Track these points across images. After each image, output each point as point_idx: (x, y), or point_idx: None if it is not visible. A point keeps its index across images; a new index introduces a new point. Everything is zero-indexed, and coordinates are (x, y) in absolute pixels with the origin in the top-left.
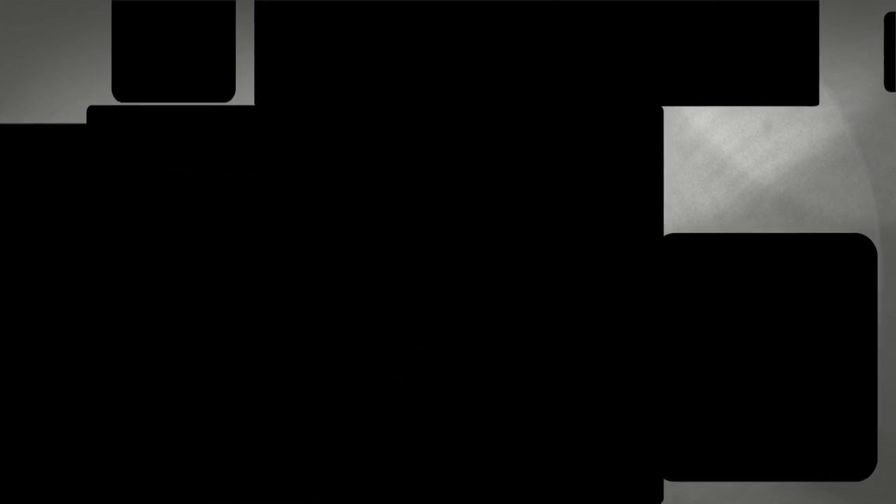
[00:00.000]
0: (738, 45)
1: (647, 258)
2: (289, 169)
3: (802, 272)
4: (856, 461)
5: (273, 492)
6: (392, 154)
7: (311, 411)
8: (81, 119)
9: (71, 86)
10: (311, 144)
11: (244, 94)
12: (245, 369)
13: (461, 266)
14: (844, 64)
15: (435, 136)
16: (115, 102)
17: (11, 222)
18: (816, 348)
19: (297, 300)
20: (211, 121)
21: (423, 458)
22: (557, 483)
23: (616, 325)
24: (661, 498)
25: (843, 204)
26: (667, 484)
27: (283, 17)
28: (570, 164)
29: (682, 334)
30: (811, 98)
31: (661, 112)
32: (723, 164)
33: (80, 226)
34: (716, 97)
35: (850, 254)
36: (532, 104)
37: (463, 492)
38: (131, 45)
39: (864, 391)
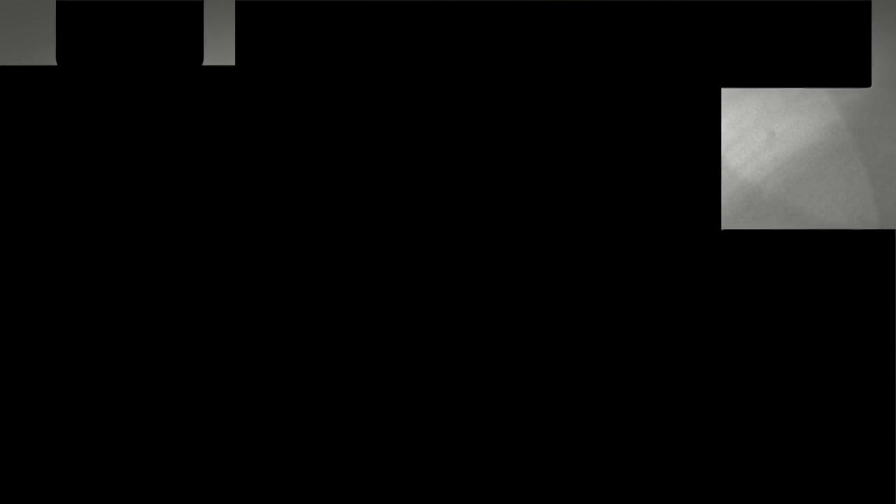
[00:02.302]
0: (803, 36)
1: (704, 255)
2: (266, 135)
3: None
4: None
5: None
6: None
7: (308, 410)
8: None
9: None
10: (297, 114)
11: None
12: (232, 360)
13: (505, 258)
14: None
15: (472, 127)
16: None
17: None
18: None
19: (285, 290)
20: (185, 81)
21: (460, 478)
22: None
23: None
24: None
25: (841, 193)
26: None
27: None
28: (624, 150)
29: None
30: (864, 80)
31: (720, 93)
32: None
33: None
34: (786, 79)
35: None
36: (588, 95)
37: None
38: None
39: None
